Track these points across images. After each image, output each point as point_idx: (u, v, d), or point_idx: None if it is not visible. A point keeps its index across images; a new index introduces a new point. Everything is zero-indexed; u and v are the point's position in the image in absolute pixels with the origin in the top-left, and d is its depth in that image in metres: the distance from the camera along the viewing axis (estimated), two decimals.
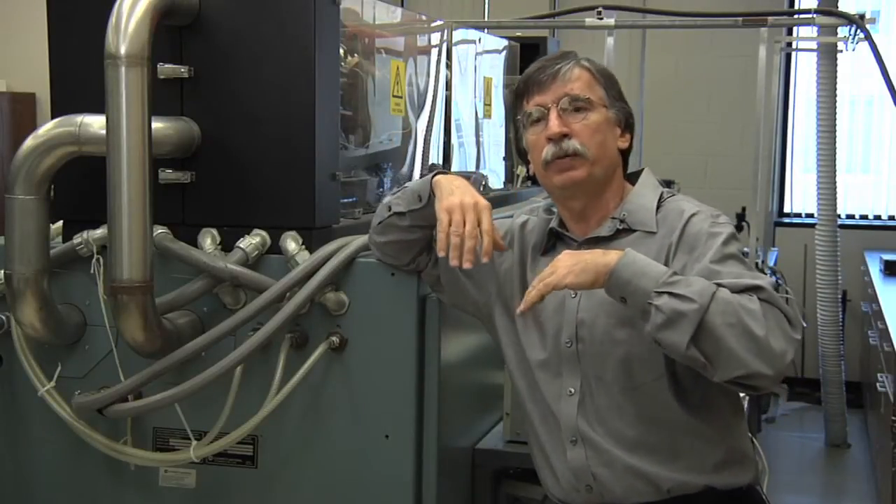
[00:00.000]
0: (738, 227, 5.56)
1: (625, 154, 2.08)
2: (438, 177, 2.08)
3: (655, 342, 1.82)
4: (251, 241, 2.30)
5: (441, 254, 2.01)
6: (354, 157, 2.58)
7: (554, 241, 2.10)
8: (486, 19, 6.60)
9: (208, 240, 2.34)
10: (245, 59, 2.32)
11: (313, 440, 2.35)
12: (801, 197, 7.04)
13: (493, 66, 3.65)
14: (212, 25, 2.32)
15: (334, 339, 2.29)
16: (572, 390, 2.01)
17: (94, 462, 2.43)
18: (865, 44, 4.69)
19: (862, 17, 4.71)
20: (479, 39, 3.55)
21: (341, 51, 2.45)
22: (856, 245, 6.56)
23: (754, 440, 2.15)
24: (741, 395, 2.09)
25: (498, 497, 2.58)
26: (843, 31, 5.20)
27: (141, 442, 2.41)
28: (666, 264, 1.91)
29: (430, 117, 3.05)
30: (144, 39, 2.13)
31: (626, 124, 2.07)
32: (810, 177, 6.16)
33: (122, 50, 2.10)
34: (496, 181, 3.59)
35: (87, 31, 2.28)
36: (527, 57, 3.66)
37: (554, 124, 1.99)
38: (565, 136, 1.99)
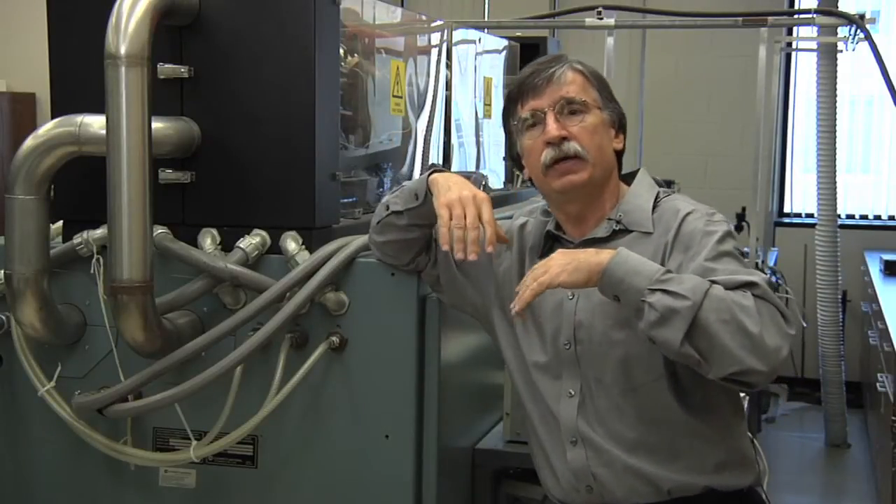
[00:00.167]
0: (738, 227, 5.57)
1: (619, 155, 2.08)
2: (435, 175, 2.08)
3: (650, 340, 1.82)
4: (251, 241, 2.30)
5: (445, 247, 2.00)
6: (354, 157, 2.58)
7: (551, 243, 2.10)
8: (486, 19, 6.60)
9: (208, 240, 2.34)
10: (245, 59, 2.32)
11: (313, 440, 2.35)
12: (801, 197, 7.04)
13: (493, 66, 3.65)
14: (212, 25, 2.32)
15: (334, 339, 2.29)
16: (572, 392, 2.01)
17: (94, 462, 2.43)
18: (865, 44, 4.69)
19: (862, 17, 4.71)
20: (479, 39, 3.55)
21: (341, 51, 2.45)
22: (856, 245, 6.56)
23: (754, 440, 2.14)
24: (741, 395, 2.09)
25: (498, 497, 2.58)
26: (843, 31, 5.20)
27: (141, 442, 2.41)
28: (662, 264, 1.91)
29: (430, 117, 3.05)
30: (144, 39, 2.13)
31: (620, 125, 2.08)
32: (810, 177, 6.16)
33: (122, 50, 2.10)
34: (496, 181, 3.59)
35: (87, 31, 2.28)
36: (527, 57, 3.65)
37: (552, 128, 1.99)
38: (564, 139, 1.99)
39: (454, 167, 3.25)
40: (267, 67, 2.31)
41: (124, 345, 2.25)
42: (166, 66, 2.31)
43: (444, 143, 3.18)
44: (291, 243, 2.30)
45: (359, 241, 2.30)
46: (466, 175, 2.88)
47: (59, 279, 2.38)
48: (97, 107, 2.17)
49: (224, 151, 2.34)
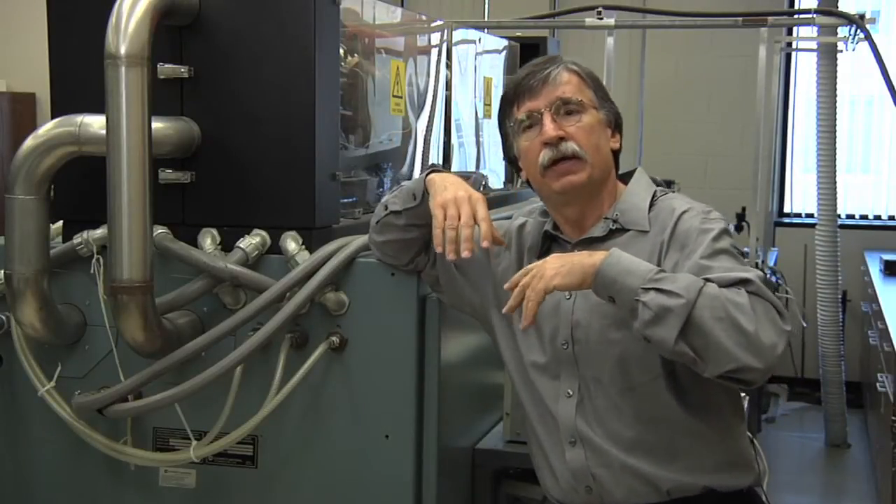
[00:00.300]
0: (738, 227, 5.57)
1: (616, 154, 2.08)
2: (432, 175, 2.08)
3: (645, 339, 1.81)
4: (251, 241, 2.30)
5: (439, 250, 2.01)
6: (354, 157, 2.58)
7: (549, 243, 2.10)
8: (486, 19, 6.60)
9: (208, 240, 2.34)
10: (245, 59, 2.32)
11: (313, 440, 2.35)
12: (801, 197, 7.04)
13: (493, 66, 3.65)
14: (212, 25, 2.32)
15: (334, 339, 2.29)
16: (570, 392, 2.01)
17: (94, 462, 2.43)
18: (865, 44, 4.69)
19: (862, 17, 4.71)
20: (479, 39, 3.55)
21: (341, 51, 2.45)
22: (856, 245, 6.56)
23: (754, 440, 2.14)
24: (741, 395, 2.09)
25: (498, 497, 2.58)
26: (843, 31, 5.21)
27: (141, 442, 2.41)
28: (658, 262, 1.91)
29: (430, 117, 3.05)
30: (144, 39, 2.13)
31: (616, 125, 2.08)
32: (810, 177, 6.16)
33: (122, 50, 2.10)
34: (496, 181, 3.59)
35: (87, 31, 2.28)
36: (527, 57, 3.64)
37: (550, 128, 1.99)
38: (562, 139, 1.99)
39: (454, 167, 3.25)
40: (267, 67, 2.31)
41: (124, 345, 2.25)
42: (166, 66, 2.30)
43: (444, 143, 3.18)
44: (291, 243, 2.30)
45: (359, 241, 2.30)
46: (466, 175, 2.88)
47: (59, 279, 2.38)
48: (97, 107, 2.17)
49: (224, 151, 2.34)
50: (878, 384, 4.43)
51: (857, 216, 7.02)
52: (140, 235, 2.15)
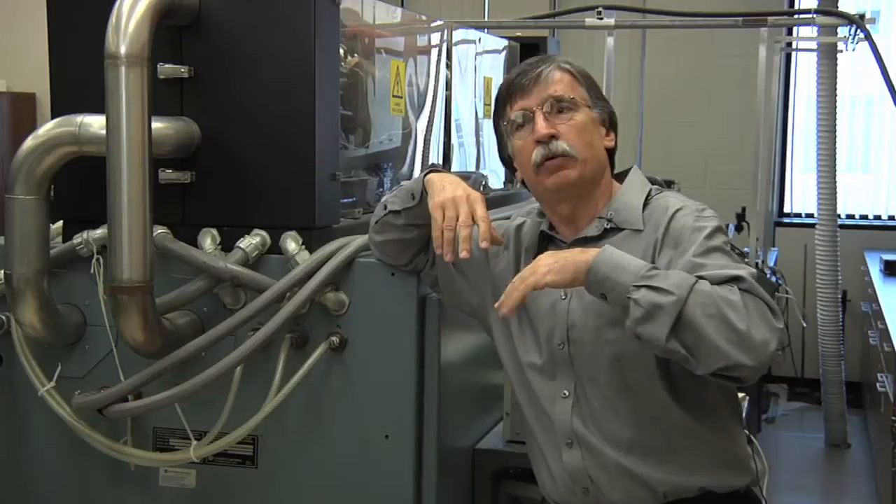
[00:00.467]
0: (739, 227, 5.57)
1: (611, 153, 2.08)
2: (431, 175, 2.08)
3: (636, 337, 1.81)
4: (251, 241, 2.30)
5: (438, 251, 2.01)
6: (354, 157, 2.58)
7: (546, 243, 2.10)
8: (486, 19, 6.61)
9: (208, 240, 2.34)
10: (245, 59, 2.32)
11: (313, 440, 2.35)
12: (801, 197, 7.04)
13: (493, 66, 3.65)
14: (212, 25, 2.32)
15: (334, 339, 2.29)
16: (566, 392, 2.00)
17: (94, 462, 2.43)
18: (865, 44, 4.69)
19: (862, 17, 4.71)
20: (479, 39, 3.55)
21: (341, 51, 2.45)
22: (856, 245, 6.56)
23: (754, 440, 2.14)
24: (740, 395, 2.08)
25: (498, 497, 2.58)
26: (843, 31, 5.20)
27: (141, 442, 2.41)
28: (652, 261, 1.90)
29: (430, 117, 3.05)
30: (144, 39, 2.13)
31: (611, 123, 2.07)
32: (810, 177, 6.15)
33: (122, 50, 2.11)
34: (496, 181, 3.59)
35: (87, 31, 2.28)
36: (527, 57, 3.65)
37: (541, 126, 1.99)
38: (553, 137, 1.99)
39: (454, 167, 3.25)
40: (267, 67, 2.31)
41: (124, 345, 2.26)
42: (166, 66, 2.31)
43: (444, 143, 3.19)
44: (291, 243, 2.30)
45: (359, 241, 2.30)
46: (466, 175, 2.88)
47: (59, 279, 2.38)
48: (97, 107, 2.17)
49: (224, 151, 2.35)
50: (878, 384, 4.43)
51: (857, 216, 7.02)
52: (140, 235, 2.15)
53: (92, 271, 2.35)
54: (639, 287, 1.77)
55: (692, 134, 6.94)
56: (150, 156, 2.15)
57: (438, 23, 3.19)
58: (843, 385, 5.80)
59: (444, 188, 2.03)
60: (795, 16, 5.99)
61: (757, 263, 4.82)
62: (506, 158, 2.11)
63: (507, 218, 2.23)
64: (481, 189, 3.42)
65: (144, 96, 2.13)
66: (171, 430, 2.39)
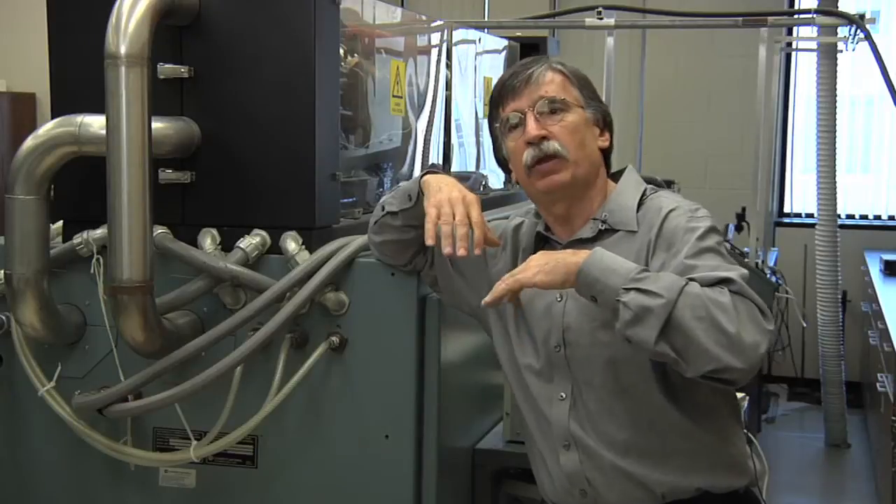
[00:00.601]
0: (739, 227, 5.57)
1: (606, 153, 2.07)
2: (427, 176, 2.08)
3: (626, 340, 1.80)
4: (251, 241, 2.30)
5: (428, 242, 1.99)
6: (354, 157, 2.58)
7: (541, 244, 2.09)
8: (486, 19, 6.61)
9: (208, 240, 2.34)
10: (245, 59, 2.32)
11: (313, 440, 2.35)
12: (801, 197, 7.04)
13: (493, 66, 3.65)
14: (212, 25, 2.32)
15: (334, 339, 2.29)
16: (563, 395, 2.00)
17: (94, 462, 2.43)
18: (865, 44, 4.69)
19: (862, 17, 4.71)
20: (479, 39, 3.55)
21: (341, 51, 2.45)
22: (856, 245, 6.56)
23: (754, 440, 2.13)
24: (740, 395, 2.08)
25: (498, 497, 2.58)
26: (843, 31, 5.20)
27: (141, 442, 2.41)
28: (646, 262, 1.90)
29: (430, 117, 3.05)
30: (144, 39, 2.13)
31: (605, 123, 2.06)
32: (810, 177, 6.15)
33: (122, 50, 2.11)
34: (496, 181, 3.59)
35: (87, 31, 2.28)
36: (527, 57, 3.66)
37: (532, 127, 1.98)
38: (544, 138, 1.98)
39: (454, 167, 3.25)
40: (267, 67, 2.31)
41: (124, 345, 2.26)
42: (166, 66, 2.31)
43: (444, 143, 3.19)
44: (291, 243, 2.30)
45: (359, 241, 2.30)
46: (466, 175, 2.87)
47: (59, 279, 2.38)
48: (97, 107, 2.17)
49: (224, 151, 2.35)
50: (878, 384, 4.43)
51: (857, 216, 7.02)
52: (140, 235, 2.15)
53: (92, 271, 2.35)
54: (628, 290, 1.76)
55: (692, 134, 6.94)
56: (150, 156, 2.15)
57: (438, 23, 3.19)
58: (843, 385, 5.80)
59: (441, 189, 2.02)
60: (795, 16, 5.99)
61: (757, 263, 4.82)
62: (501, 160, 2.11)
63: (506, 218, 2.23)
64: (481, 189, 3.42)
65: (144, 96, 2.13)
66: (171, 430, 2.39)
